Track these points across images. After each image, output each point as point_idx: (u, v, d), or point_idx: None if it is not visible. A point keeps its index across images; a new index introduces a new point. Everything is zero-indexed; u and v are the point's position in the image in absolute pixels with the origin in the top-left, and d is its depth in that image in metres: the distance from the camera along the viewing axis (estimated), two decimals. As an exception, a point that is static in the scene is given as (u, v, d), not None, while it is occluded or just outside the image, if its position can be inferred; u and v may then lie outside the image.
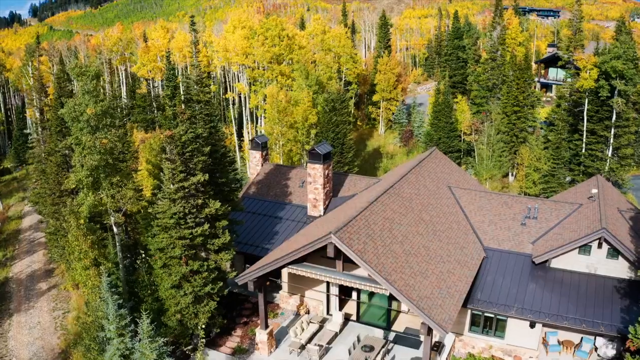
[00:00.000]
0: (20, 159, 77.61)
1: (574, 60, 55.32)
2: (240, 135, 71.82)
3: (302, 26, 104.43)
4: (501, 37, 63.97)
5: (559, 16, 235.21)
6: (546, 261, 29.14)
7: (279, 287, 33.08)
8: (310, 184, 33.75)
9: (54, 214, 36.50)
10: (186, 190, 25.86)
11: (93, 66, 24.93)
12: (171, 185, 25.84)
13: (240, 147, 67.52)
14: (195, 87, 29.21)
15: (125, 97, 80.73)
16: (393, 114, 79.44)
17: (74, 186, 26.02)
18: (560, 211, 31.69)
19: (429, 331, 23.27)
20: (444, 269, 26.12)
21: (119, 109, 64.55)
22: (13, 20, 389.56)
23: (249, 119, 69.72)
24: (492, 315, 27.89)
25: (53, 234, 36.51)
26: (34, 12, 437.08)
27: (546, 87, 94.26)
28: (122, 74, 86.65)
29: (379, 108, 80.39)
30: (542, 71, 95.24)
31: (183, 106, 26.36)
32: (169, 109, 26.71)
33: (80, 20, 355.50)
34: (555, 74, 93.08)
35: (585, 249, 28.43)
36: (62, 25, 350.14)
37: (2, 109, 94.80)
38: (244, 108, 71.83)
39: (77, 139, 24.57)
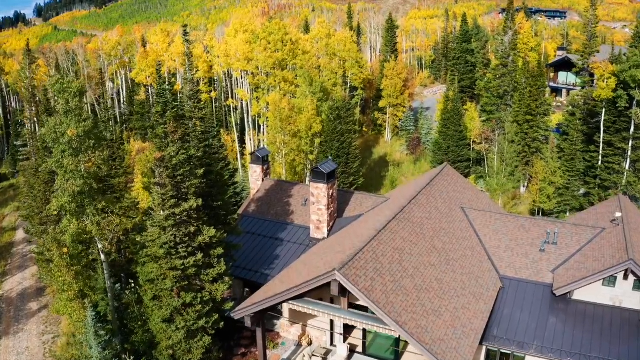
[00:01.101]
0: (17, 166, 75.70)
1: (589, 67, 52.93)
2: (242, 142, 69.72)
3: (307, 28, 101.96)
4: (513, 42, 61.44)
5: (565, 17, 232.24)
6: (567, 292, 26.96)
7: (280, 315, 30.99)
8: (314, 204, 31.58)
9: (42, 233, 34.50)
10: (177, 217, 23.79)
11: (75, 82, 22.76)
12: (161, 212, 23.78)
13: (242, 154, 65.44)
14: (188, 102, 27.20)
15: (124, 103, 78.70)
16: (400, 120, 76.95)
17: (56, 212, 23.94)
18: (581, 236, 29.46)
19: (443, 376, 21.19)
20: (459, 304, 23.97)
21: (110, 121, 62.18)
22: (18, 20, 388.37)
23: (251, 126, 67.61)
24: (509, 352, 25.77)
25: (41, 254, 34.51)
26: (39, 12, 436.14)
27: (556, 91, 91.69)
28: (121, 78, 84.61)
29: (385, 114, 78.05)
30: (552, 75, 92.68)
31: (174, 124, 24.12)
32: (160, 127, 24.50)
33: (84, 20, 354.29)
34: (565, 78, 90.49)
35: (609, 280, 26.26)
36: (67, 25, 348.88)
37: (1, 113, 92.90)
38: (246, 114, 69.70)
39: (58, 162, 22.50)
